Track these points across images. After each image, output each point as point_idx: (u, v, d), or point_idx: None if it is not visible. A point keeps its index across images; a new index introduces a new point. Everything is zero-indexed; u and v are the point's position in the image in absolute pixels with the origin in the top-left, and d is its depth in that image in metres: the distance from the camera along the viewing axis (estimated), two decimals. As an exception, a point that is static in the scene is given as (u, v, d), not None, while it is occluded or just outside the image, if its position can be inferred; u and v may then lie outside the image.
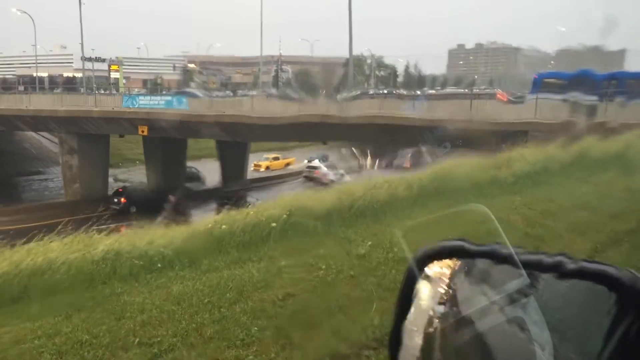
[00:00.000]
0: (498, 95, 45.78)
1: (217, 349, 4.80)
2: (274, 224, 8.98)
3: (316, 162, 53.51)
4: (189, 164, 48.98)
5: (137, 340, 4.99)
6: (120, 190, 38.53)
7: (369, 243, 7.99)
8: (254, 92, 61.15)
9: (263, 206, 10.56)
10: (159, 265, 7.48)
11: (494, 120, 27.53)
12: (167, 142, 42.13)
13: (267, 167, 54.85)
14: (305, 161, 58.77)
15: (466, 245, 1.21)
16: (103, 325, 5.38)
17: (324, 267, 6.91)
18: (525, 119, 27.13)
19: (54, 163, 48.96)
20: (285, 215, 9.10)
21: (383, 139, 37.94)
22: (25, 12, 60.68)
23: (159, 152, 43.25)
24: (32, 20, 60.25)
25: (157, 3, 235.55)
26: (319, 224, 9.23)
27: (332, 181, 43.98)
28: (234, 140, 42.24)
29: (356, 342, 4.87)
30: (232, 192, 41.85)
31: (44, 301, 6.36)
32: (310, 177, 47.70)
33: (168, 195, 37.69)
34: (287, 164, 57.59)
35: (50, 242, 7.92)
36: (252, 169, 53.87)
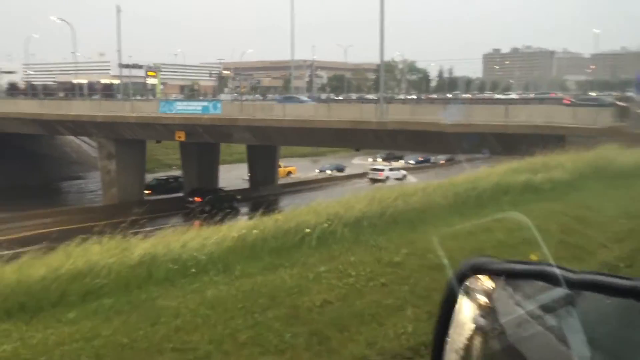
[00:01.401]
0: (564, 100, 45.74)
1: (251, 355, 4.83)
2: (308, 230, 9.00)
3: (380, 165, 54.61)
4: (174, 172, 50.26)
5: (172, 345, 5.07)
6: (196, 190, 40.25)
7: (404, 251, 7.94)
8: (280, 97, 61.53)
9: (295, 212, 10.57)
10: (193, 270, 7.56)
11: (529, 124, 27.10)
12: (202, 147, 42.91)
13: None
14: (317, 170, 58.63)
15: (507, 263, 1.21)
16: (140, 330, 5.48)
17: (354, 274, 6.92)
18: (563, 123, 26.58)
19: (93, 167, 50.11)
20: (326, 224, 9.09)
21: (417, 146, 37.74)
22: (64, 21, 62.31)
23: (194, 157, 44.08)
24: (72, 28, 61.79)
25: (194, 12, 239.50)
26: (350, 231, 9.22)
27: (399, 180, 45.73)
28: (263, 145, 42.60)
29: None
30: (262, 197, 42.33)
31: (85, 305, 6.50)
32: (375, 179, 48.66)
33: (236, 196, 39.86)
34: (289, 173, 55.81)
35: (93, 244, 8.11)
36: (246, 178, 51.47)
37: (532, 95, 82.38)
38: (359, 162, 64.26)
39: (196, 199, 38.24)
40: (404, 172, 54.13)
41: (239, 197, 41.35)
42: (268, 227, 9.14)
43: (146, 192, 43.74)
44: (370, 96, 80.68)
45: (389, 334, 5.16)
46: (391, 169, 53.80)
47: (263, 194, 44.50)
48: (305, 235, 8.85)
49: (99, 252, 7.79)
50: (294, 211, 10.90)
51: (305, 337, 5.11)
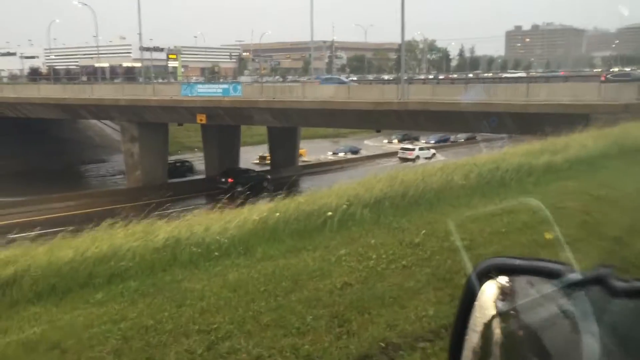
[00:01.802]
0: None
1: (273, 337, 4.91)
2: (330, 213, 9.05)
3: (410, 144, 54.98)
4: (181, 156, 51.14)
5: (197, 327, 5.18)
6: (228, 171, 41.50)
7: (423, 232, 7.95)
8: (304, 78, 61.32)
9: (317, 194, 10.61)
10: (216, 253, 7.67)
11: (550, 102, 26.67)
12: (223, 130, 43.18)
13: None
14: (329, 153, 57.67)
15: (527, 261, 1.22)
16: (165, 312, 5.60)
17: (374, 256, 6.96)
18: (586, 101, 26.12)
19: (116, 151, 50.72)
20: (345, 206, 9.14)
21: (438, 126, 37.46)
22: (86, 5, 62.61)
23: (216, 139, 44.41)
24: (93, 12, 62.11)
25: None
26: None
27: (428, 159, 46.71)
28: (284, 127, 42.67)
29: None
30: (283, 178, 42.71)
31: (111, 287, 6.67)
32: (405, 158, 49.59)
33: (267, 176, 41.48)
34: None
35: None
36: (256, 161, 51.52)
37: (539, 74, 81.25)
38: (373, 144, 63.81)
39: (229, 179, 39.35)
40: (433, 151, 54.75)
41: (269, 177, 42.25)
42: (290, 209, 9.21)
43: None
44: (386, 77, 79.75)
45: (410, 316, 5.20)
46: (421, 149, 54.34)
47: (284, 175, 44.71)
48: (327, 217, 8.90)
49: (123, 235, 7.96)
50: (315, 193, 10.94)
51: (327, 319, 5.18)
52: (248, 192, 13.75)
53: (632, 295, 1.08)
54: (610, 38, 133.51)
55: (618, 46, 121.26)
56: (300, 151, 54.52)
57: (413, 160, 48.81)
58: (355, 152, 59.19)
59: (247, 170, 43.82)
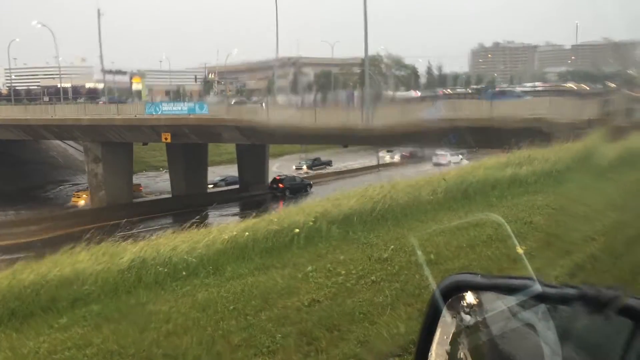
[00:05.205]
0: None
1: (243, 357, 4.84)
2: (296, 230, 9.04)
3: (443, 151, 56.10)
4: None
5: (161, 351, 5.06)
6: (278, 178, 47.30)
7: (391, 247, 7.98)
8: (268, 99, 60.80)
9: (286, 212, 10.61)
10: (184, 273, 7.56)
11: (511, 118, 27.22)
12: (189, 148, 42.81)
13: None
14: (211, 186, 49.52)
15: (490, 278, 1.23)
16: (129, 336, 5.46)
17: (343, 272, 6.95)
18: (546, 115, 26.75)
19: (80, 171, 49.73)
20: (311, 222, 9.15)
21: (406, 142, 37.95)
22: (45, 25, 61.41)
23: (181, 159, 43.95)
24: (52, 33, 61.02)
25: (178, 17, 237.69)
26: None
27: (457, 163, 48.68)
28: (253, 144, 42.59)
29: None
30: (252, 197, 42.74)
31: (74, 311, 6.49)
32: (439, 163, 52.00)
33: (310, 183, 47.66)
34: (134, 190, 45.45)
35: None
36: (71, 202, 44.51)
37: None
38: (278, 170, 60.33)
39: (280, 185, 45.68)
40: (461, 156, 56.60)
41: (311, 182, 48.28)
42: (259, 228, 9.17)
43: None
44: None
45: (381, 333, 5.18)
46: (452, 154, 56.39)
47: (253, 193, 44.52)
48: (295, 235, 8.89)
49: (86, 259, 7.78)
50: (284, 210, 10.94)
51: (295, 337, 5.12)
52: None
53: (561, 301, 1.10)
54: (565, 54, 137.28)
55: (574, 62, 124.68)
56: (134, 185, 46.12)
57: (446, 164, 50.54)
58: (230, 182, 50.74)
59: (294, 178, 49.44)
